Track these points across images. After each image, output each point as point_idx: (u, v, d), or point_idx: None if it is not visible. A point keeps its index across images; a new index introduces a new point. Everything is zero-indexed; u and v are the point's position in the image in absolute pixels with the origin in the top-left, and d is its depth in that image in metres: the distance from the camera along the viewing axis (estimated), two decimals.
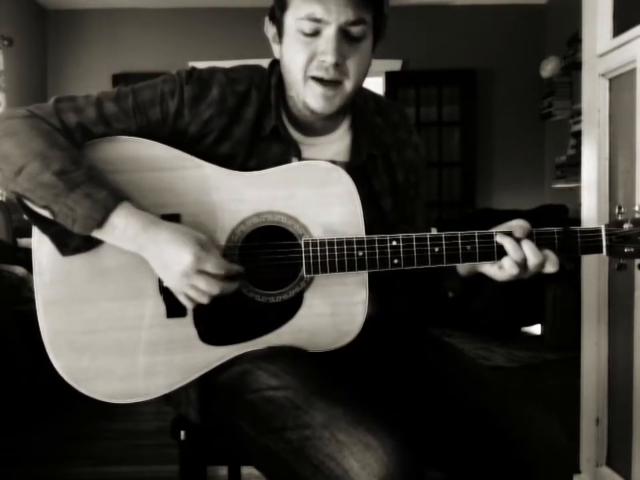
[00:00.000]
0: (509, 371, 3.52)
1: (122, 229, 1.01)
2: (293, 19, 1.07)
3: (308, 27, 1.06)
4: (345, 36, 1.06)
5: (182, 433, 1.19)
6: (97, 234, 1.02)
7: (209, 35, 5.22)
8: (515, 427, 1.03)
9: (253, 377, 1.04)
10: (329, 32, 1.05)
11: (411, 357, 1.17)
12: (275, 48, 1.15)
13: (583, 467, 1.98)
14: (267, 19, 1.16)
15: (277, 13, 1.11)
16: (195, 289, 1.01)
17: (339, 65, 1.07)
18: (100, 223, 1.00)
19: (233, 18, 5.21)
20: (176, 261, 0.99)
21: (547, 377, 3.43)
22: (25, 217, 1.07)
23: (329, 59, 1.05)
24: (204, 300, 1.02)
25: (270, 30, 1.15)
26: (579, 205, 2.09)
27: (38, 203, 1.02)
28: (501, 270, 1.07)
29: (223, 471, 2.02)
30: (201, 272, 1.00)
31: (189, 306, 1.05)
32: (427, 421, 1.09)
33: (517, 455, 1.02)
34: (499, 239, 1.06)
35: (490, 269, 1.09)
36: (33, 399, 2.83)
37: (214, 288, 1.01)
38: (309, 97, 1.09)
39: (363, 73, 1.12)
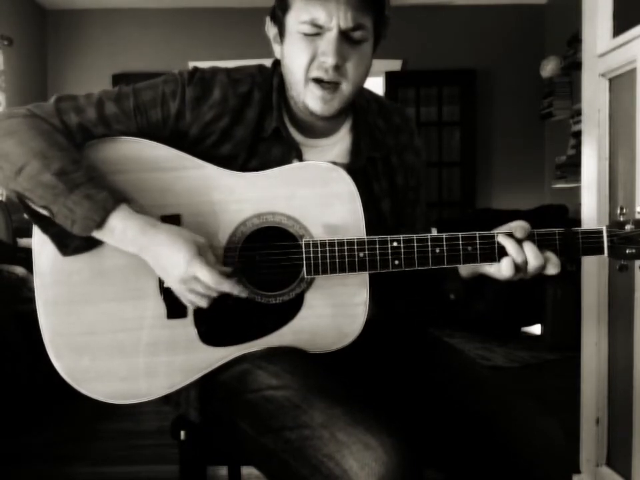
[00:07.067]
0: (509, 371, 3.51)
1: (121, 231, 1.01)
2: (295, 21, 1.07)
3: (309, 30, 1.06)
4: (345, 38, 1.06)
5: (182, 433, 1.19)
6: (97, 235, 1.02)
7: (209, 35, 5.22)
8: (515, 427, 1.03)
9: (252, 377, 1.04)
10: (331, 35, 1.05)
11: (411, 358, 1.17)
12: (276, 48, 1.15)
13: (583, 467, 1.98)
14: (268, 19, 1.15)
15: (279, 13, 1.10)
16: (194, 293, 1.02)
17: (338, 67, 1.06)
18: (99, 225, 1.00)
19: (233, 18, 5.20)
20: (172, 266, 1.00)
21: (547, 377, 3.43)
22: (26, 216, 1.07)
23: (330, 60, 1.05)
24: (203, 304, 1.03)
25: (271, 30, 1.15)
26: (579, 204, 2.09)
27: (37, 202, 1.02)
28: (501, 271, 1.07)
29: (223, 471, 2.02)
30: (196, 278, 1.00)
31: (190, 307, 1.05)
32: (426, 421, 1.09)
33: (517, 455, 1.02)
34: (501, 239, 1.06)
35: (491, 269, 1.09)
36: (33, 399, 2.83)
37: (211, 292, 1.01)
38: (308, 98, 1.09)
39: (362, 76, 1.11)
